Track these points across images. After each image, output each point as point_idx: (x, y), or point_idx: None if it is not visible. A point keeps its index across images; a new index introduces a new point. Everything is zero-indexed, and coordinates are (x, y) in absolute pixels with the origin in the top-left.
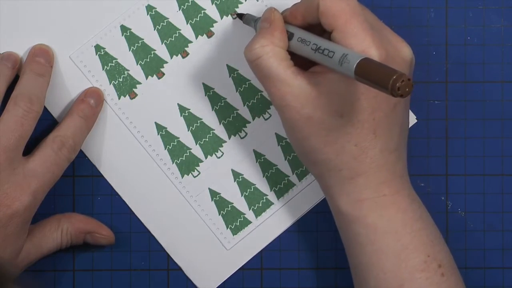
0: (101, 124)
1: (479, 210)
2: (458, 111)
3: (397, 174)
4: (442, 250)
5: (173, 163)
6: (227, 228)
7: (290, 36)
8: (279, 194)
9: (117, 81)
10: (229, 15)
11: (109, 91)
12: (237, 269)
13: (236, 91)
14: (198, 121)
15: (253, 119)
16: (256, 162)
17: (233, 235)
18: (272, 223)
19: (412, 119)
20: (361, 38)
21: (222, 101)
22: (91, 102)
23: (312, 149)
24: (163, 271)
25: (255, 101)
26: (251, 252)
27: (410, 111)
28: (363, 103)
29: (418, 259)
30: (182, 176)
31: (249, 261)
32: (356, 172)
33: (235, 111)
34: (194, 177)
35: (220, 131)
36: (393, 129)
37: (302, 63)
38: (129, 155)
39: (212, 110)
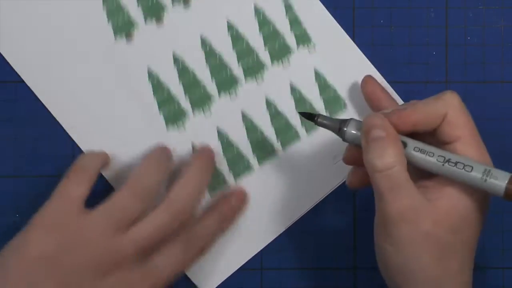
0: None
1: None
2: None
3: None
4: None
5: (160, 111)
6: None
7: (403, 145)
8: (261, 160)
9: (116, 21)
10: (299, 115)
11: (107, 29)
12: (237, 269)
13: (233, 49)
14: (191, 72)
15: (246, 81)
16: (243, 124)
17: (211, 196)
18: (272, 222)
19: None
20: (483, 152)
21: (217, 56)
22: (233, 202)
23: (421, 267)
24: None
25: (250, 61)
26: (251, 252)
27: None
28: (474, 221)
29: None
30: (168, 129)
31: (249, 261)
32: None
33: (228, 68)
34: (179, 130)
35: (211, 88)
36: (479, 236)
37: None
38: (109, 100)
39: (206, 64)
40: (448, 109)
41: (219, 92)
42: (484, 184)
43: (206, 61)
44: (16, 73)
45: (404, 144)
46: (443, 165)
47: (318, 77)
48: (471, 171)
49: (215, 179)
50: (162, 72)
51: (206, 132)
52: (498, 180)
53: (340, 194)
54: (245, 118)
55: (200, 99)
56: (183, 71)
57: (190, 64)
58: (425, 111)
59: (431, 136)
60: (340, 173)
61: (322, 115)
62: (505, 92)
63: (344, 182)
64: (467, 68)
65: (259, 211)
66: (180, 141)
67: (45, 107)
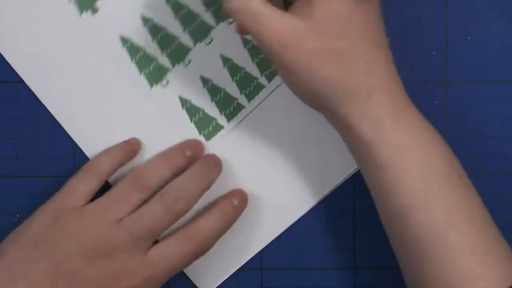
0: (61, 59)
1: None
2: (458, 111)
3: (402, 86)
4: (458, 162)
5: (141, 74)
6: (200, 134)
7: None
8: (250, 97)
9: None
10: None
11: (70, 7)
12: (237, 269)
13: None
14: (163, 31)
15: (217, 23)
16: (224, 67)
17: (207, 141)
18: (272, 222)
19: None
20: None
21: (185, 8)
22: (235, 202)
23: (323, 82)
24: None
25: (217, 6)
26: (251, 252)
27: None
28: (356, 17)
29: (441, 172)
30: (151, 86)
31: (249, 261)
32: (371, 89)
33: (198, 18)
34: (163, 87)
35: (185, 38)
36: (384, 37)
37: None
38: (94, 84)
39: (176, 17)
40: None
41: (194, 42)
42: None
43: (175, 15)
44: (16, 73)
45: None
46: None
47: None
48: None
49: (210, 124)
50: (135, 37)
51: (190, 82)
52: None
53: (340, 194)
54: (225, 60)
55: (177, 52)
56: (155, 30)
57: (160, 21)
58: None
59: None
60: (340, 174)
61: None
62: (505, 92)
63: (345, 181)
64: (467, 68)
65: (259, 210)
66: (164, 97)
67: (45, 107)
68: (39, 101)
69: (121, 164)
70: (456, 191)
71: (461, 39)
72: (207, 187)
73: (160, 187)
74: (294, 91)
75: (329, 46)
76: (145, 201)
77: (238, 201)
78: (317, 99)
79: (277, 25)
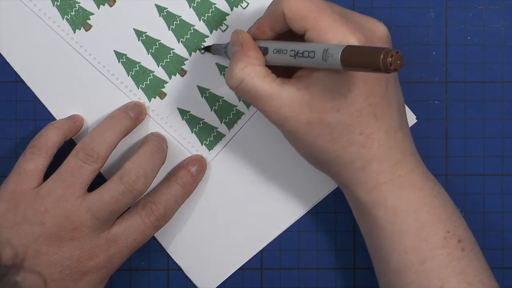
0: (60, 60)
1: (479, 210)
2: (458, 111)
3: (408, 153)
4: (460, 225)
5: (138, 88)
6: (202, 144)
7: (264, 51)
8: (248, 105)
9: (69, 15)
10: (197, 51)
11: (63, 26)
12: (237, 269)
13: (190, 7)
14: (157, 43)
15: (211, 32)
16: (221, 75)
17: (209, 151)
18: (272, 222)
19: (412, 119)
20: (335, 29)
21: (177, 19)
22: (192, 169)
23: (320, 151)
24: (163, 271)
25: (209, 14)
26: (251, 252)
27: (410, 111)
28: (356, 91)
29: (438, 236)
30: (150, 100)
31: (249, 261)
32: (367, 160)
33: (191, 27)
34: (162, 99)
35: (180, 49)
36: (391, 108)
37: (284, 72)
38: (93, 87)
39: (169, 30)
40: (283, 6)
41: (189, 52)
42: (326, 64)
43: (168, 26)
44: (16, 73)
45: (266, 50)
46: (295, 58)
47: None
48: (314, 56)
49: (211, 134)
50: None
51: (188, 92)
52: (334, 57)
53: (340, 194)
54: (221, 68)
55: (173, 63)
56: (149, 42)
57: (153, 33)
58: (267, 14)
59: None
60: None
61: (214, 44)
62: (505, 92)
63: None
64: (467, 68)
65: (259, 211)
66: (164, 109)
67: (45, 107)
68: (39, 101)
69: (66, 137)
70: (453, 256)
71: (461, 39)
72: (162, 163)
73: (110, 154)
74: (298, 153)
75: (324, 119)
76: (99, 170)
77: (196, 168)
78: (316, 163)
79: (274, 101)
